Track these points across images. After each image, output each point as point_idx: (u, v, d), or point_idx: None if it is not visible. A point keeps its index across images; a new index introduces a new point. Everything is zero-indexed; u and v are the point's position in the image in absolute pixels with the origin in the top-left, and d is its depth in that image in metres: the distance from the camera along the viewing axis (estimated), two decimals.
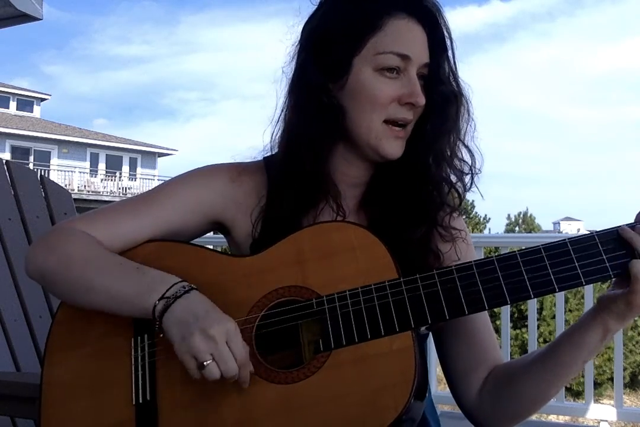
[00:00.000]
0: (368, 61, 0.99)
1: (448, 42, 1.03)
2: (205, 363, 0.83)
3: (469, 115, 1.05)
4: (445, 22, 1.03)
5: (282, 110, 1.06)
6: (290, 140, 1.03)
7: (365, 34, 0.99)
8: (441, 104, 1.02)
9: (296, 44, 1.06)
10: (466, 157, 1.05)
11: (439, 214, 1.05)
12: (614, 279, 0.88)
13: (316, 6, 1.05)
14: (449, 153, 1.03)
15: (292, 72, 1.05)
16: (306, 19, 1.06)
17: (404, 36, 0.99)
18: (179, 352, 0.85)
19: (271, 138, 1.07)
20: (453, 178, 1.05)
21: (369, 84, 0.99)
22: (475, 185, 1.05)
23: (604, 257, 0.84)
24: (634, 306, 0.86)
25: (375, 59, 0.99)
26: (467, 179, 1.05)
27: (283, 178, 1.03)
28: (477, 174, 1.05)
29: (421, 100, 0.99)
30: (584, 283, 0.85)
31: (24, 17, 3.79)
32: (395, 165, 1.04)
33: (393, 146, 1.01)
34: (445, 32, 1.03)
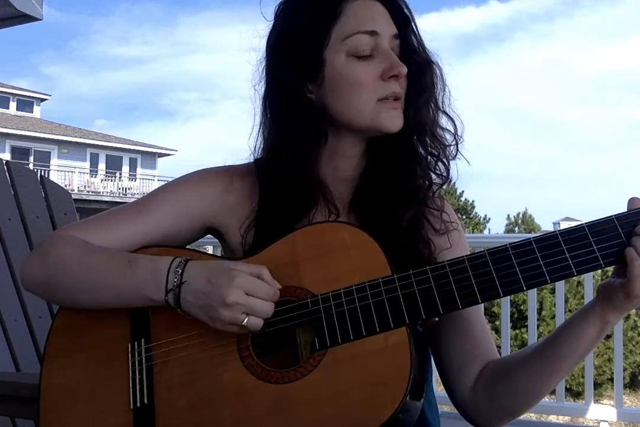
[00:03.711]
0: (338, 49, 0.99)
1: (408, 13, 1.04)
2: (243, 323, 0.86)
3: (443, 82, 1.05)
4: None
5: (261, 124, 1.05)
6: (274, 151, 1.02)
7: (328, 25, 0.99)
8: (416, 73, 1.02)
9: (262, 57, 1.06)
10: (447, 125, 1.05)
11: (428, 194, 1.05)
12: (614, 269, 0.87)
13: (273, 19, 1.05)
14: (430, 123, 1.04)
15: (265, 84, 1.05)
16: (267, 33, 1.05)
17: (365, 14, 1.00)
18: (220, 329, 0.88)
19: (254, 150, 1.06)
20: (438, 150, 1.05)
21: (346, 70, 0.99)
22: (460, 152, 1.06)
23: (595, 247, 0.84)
24: (632, 296, 0.84)
25: (344, 44, 0.99)
26: (452, 149, 1.05)
27: (271, 186, 1.03)
28: (460, 142, 1.05)
29: (403, 69, 0.99)
30: (575, 273, 0.85)
31: (24, 17, 3.79)
32: (383, 147, 1.04)
33: (391, 119, 1.00)
34: (402, 5, 1.04)
